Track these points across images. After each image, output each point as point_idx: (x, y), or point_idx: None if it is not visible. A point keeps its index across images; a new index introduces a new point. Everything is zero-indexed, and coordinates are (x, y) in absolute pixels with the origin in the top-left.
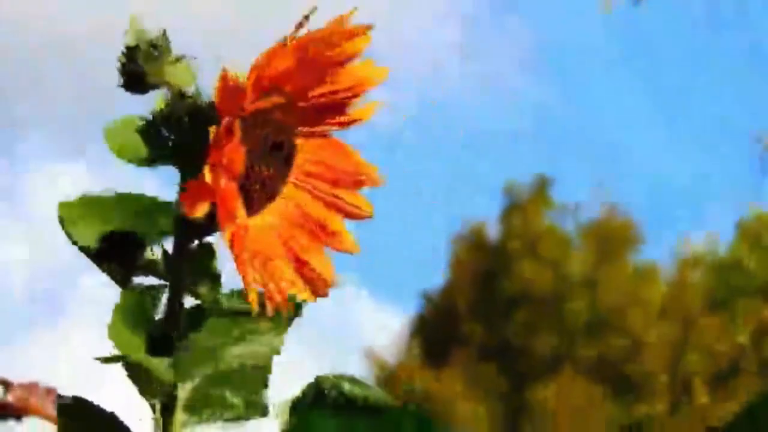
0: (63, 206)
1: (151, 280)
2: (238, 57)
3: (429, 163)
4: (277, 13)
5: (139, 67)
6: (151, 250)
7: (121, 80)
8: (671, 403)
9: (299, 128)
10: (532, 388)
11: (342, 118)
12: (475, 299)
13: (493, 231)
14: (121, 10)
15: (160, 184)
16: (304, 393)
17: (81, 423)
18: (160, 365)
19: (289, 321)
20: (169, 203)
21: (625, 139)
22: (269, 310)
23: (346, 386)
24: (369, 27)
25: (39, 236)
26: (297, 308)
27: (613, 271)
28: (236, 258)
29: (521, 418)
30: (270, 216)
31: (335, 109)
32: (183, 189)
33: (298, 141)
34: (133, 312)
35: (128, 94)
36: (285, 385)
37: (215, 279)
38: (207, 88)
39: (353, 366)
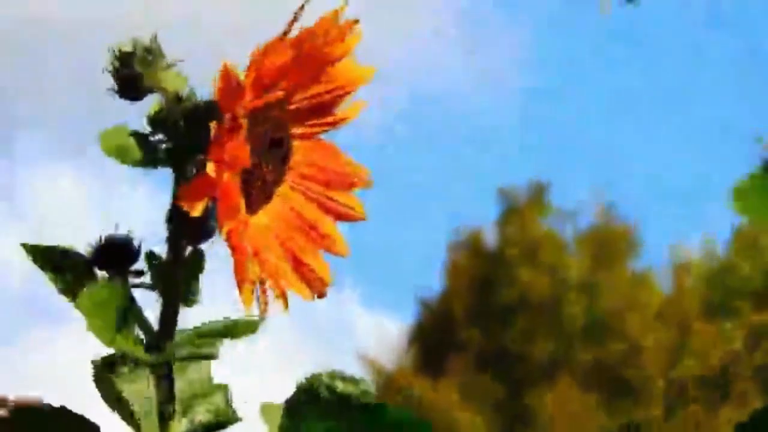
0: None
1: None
2: (231, 53)
3: (424, 162)
4: (271, 10)
5: (134, 72)
6: (147, 255)
7: (115, 85)
8: (666, 407)
9: (293, 128)
10: (530, 395)
11: (330, 118)
12: (473, 305)
13: (489, 237)
14: (122, 8)
15: (155, 184)
16: (297, 393)
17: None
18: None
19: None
20: None
21: (623, 141)
22: (261, 308)
23: (340, 385)
24: (356, 21)
25: (38, 237)
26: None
27: (611, 277)
28: (235, 253)
29: (519, 425)
30: (267, 216)
31: (324, 108)
32: (177, 191)
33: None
34: (110, 302)
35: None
36: (285, 390)
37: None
38: (201, 87)
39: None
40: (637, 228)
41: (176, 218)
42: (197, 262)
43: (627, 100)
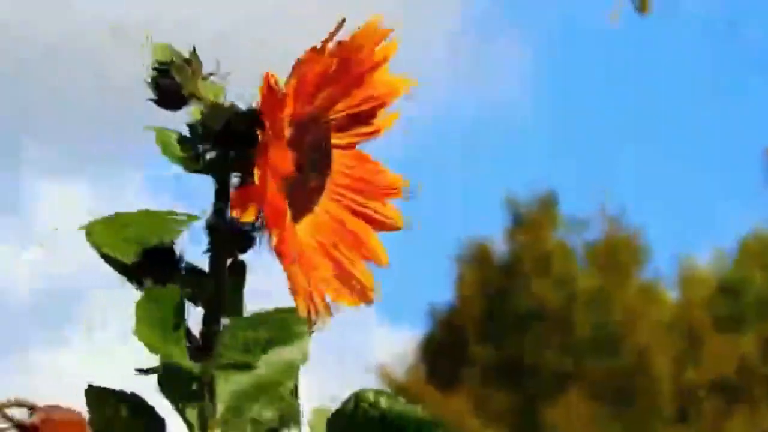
0: (89, 228)
1: None
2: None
3: (432, 175)
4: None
5: (174, 83)
6: (189, 265)
7: (155, 95)
8: (677, 417)
9: (333, 137)
10: (542, 407)
11: (367, 128)
12: (483, 318)
13: (499, 248)
14: (135, 17)
15: (164, 194)
16: (344, 406)
17: (108, 410)
18: (191, 363)
19: (313, 329)
20: (186, 215)
21: (629, 152)
22: (311, 316)
23: (384, 402)
24: (391, 31)
25: (46, 249)
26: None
27: (620, 287)
28: (284, 261)
29: None
30: (310, 225)
31: (363, 118)
32: (219, 200)
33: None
34: (160, 310)
35: (136, 109)
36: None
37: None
38: (236, 98)
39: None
40: (645, 237)
41: (217, 228)
42: (239, 273)
43: (634, 111)
